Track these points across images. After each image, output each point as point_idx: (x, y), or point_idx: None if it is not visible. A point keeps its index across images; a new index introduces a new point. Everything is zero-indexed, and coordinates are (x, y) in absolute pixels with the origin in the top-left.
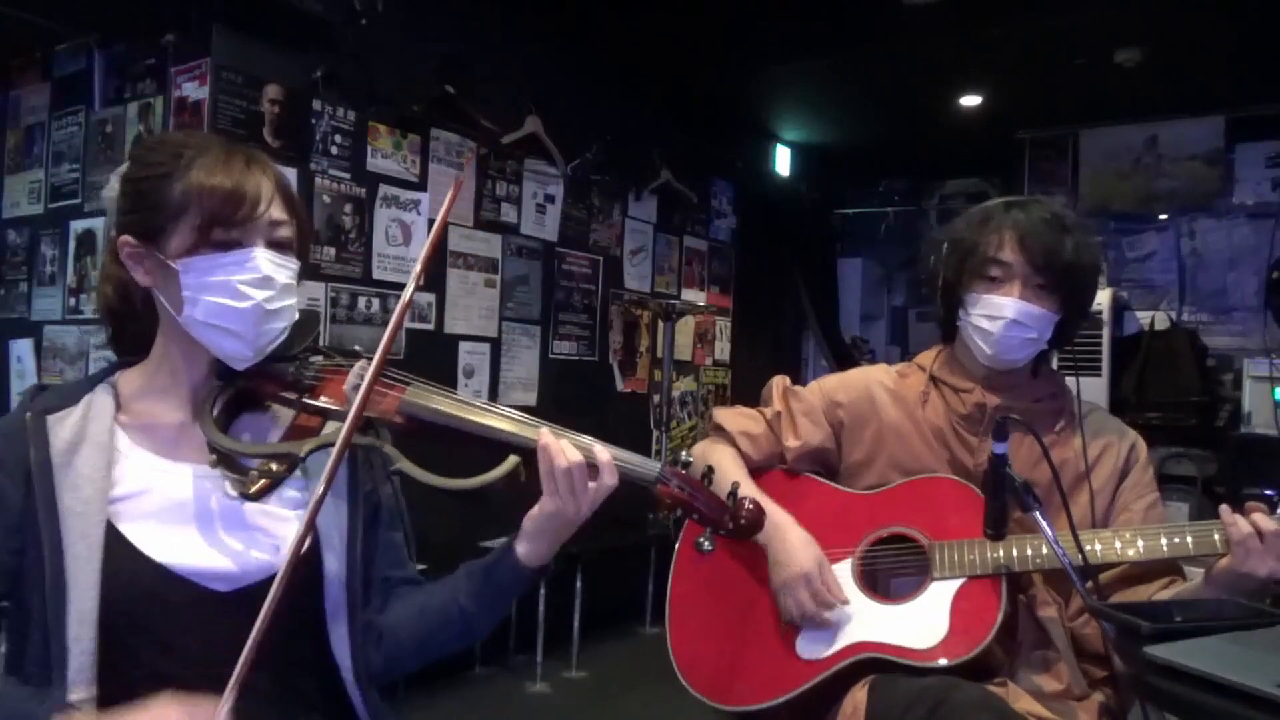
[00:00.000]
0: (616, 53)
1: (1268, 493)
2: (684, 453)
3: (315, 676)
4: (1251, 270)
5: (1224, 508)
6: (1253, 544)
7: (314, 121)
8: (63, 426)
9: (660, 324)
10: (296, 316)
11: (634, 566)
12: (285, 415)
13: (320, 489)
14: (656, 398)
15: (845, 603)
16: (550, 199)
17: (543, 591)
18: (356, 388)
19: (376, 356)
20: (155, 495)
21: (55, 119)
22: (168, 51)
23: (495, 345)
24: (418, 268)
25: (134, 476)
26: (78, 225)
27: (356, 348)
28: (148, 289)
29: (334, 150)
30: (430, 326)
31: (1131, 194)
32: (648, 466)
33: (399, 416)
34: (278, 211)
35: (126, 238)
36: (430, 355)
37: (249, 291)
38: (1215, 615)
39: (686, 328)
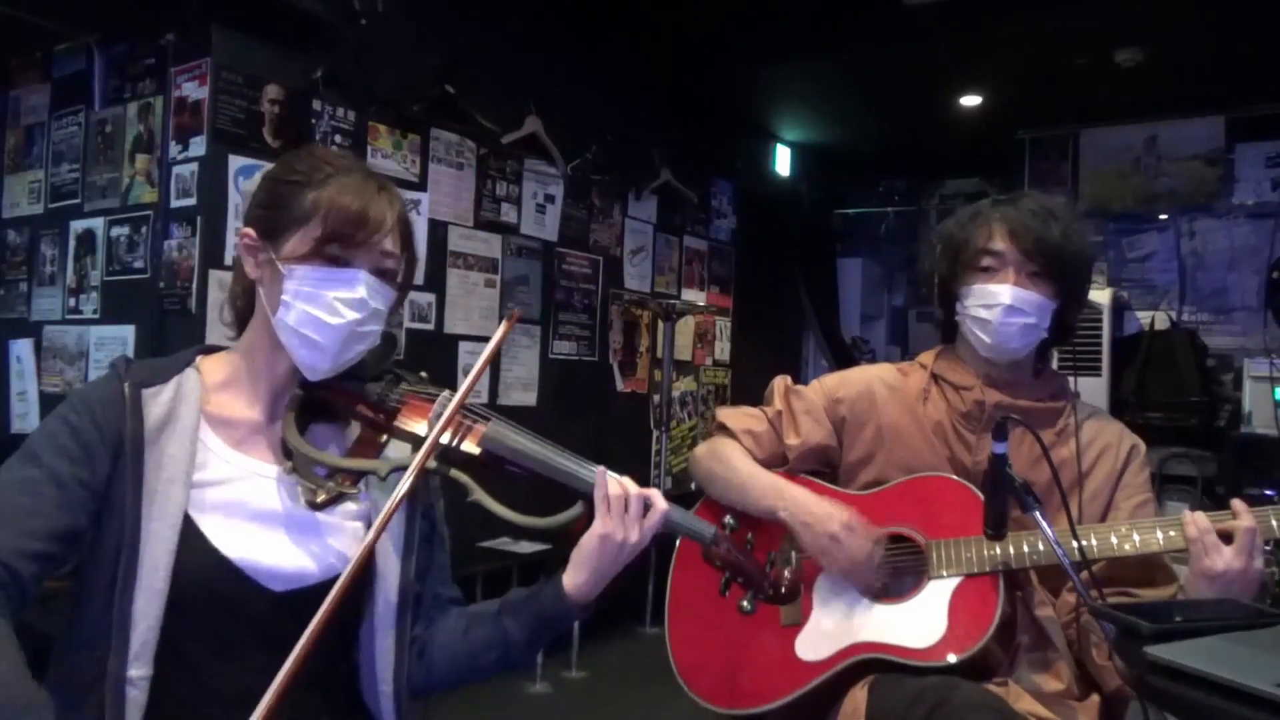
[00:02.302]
0: (616, 53)
1: (1268, 493)
2: (728, 517)
3: (349, 685)
4: (1251, 270)
5: (1185, 512)
6: (1210, 540)
7: (314, 121)
8: (155, 403)
9: (660, 324)
10: (377, 341)
11: (634, 566)
12: (354, 429)
13: (389, 508)
14: (656, 398)
15: (883, 535)
16: (550, 199)
17: None
18: (440, 416)
19: (463, 388)
20: (229, 489)
21: (55, 119)
22: (168, 51)
23: None
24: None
25: (212, 467)
26: (78, 225)
27: (423, 374)
28: (253, 282)
29: (334, 150)
30: (430, 326)
31: (1131, 194)
32: (703, 529)
33: (479, 449)
34: (391, 244)
35: (248, 230)
36: (430, 355)
37: (344, 310)
38: (1215, 615)
39: (686, 328)
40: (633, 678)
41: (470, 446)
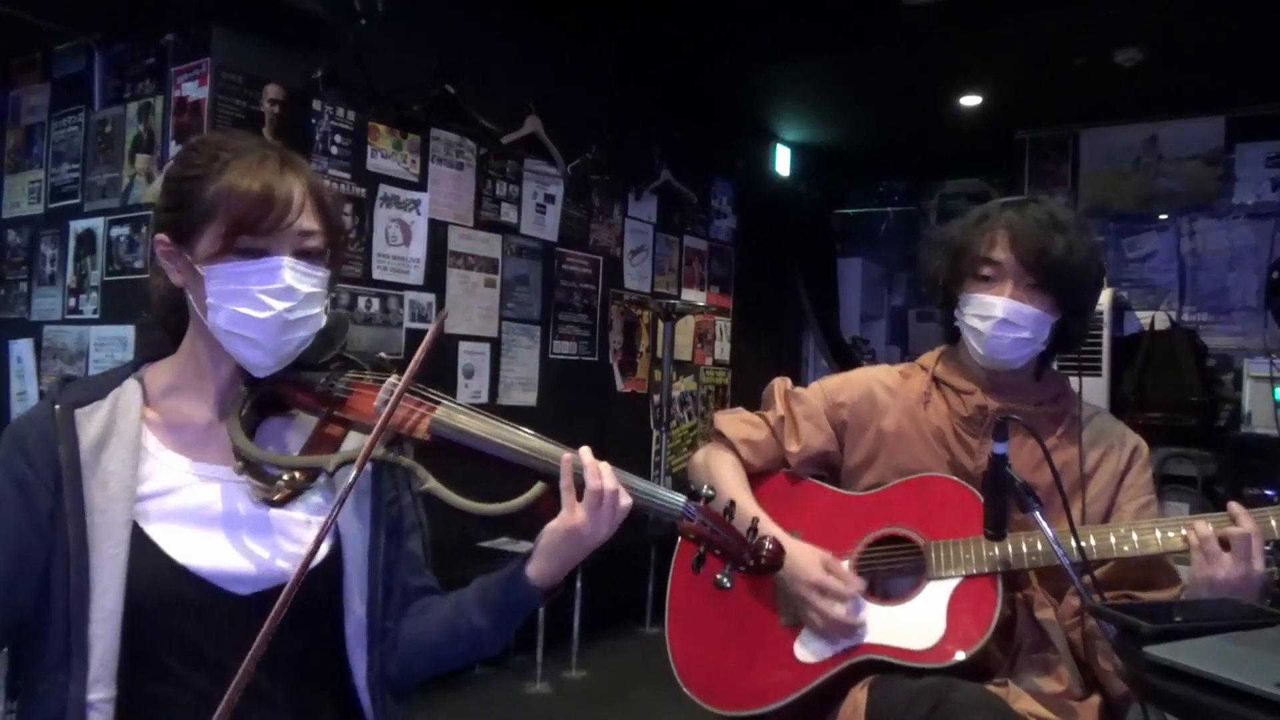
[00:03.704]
0: (616, 53)
1: (1268, 493)
2: (706, 487)
3: (330, 687)
4: (1251, 270)
5: (1186, 518)
6: (1210, 548)
7: (314, 121)
8: (91, 421)
9: (660, 324)
10: (322, 324)
11: (634, 566)
12: (309, 422)
13: (338, 501)
14: (656, 398)
15: (861, 590)
16: (550, 199)
17: None
18: (387, 403)
19: (405, 375)
20: (179, 496)
21: (55, 119)
22: (168, 51)
23: (495, 345)
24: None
25: (159, 476)
26: (78, 225)
27: (382, 355)
28: (178, 289)
29: (334, 150)
30: (430, 326)
31: (1131, 194)
32: (672, 501)
33: (428, 435)
34: (308, 220)
35: (162, 236)
36: (430, 355)
37: (269, 302)
38: (1215, 615)
39: (686, 328)
40: (633, 678)
41: (419, 432)
